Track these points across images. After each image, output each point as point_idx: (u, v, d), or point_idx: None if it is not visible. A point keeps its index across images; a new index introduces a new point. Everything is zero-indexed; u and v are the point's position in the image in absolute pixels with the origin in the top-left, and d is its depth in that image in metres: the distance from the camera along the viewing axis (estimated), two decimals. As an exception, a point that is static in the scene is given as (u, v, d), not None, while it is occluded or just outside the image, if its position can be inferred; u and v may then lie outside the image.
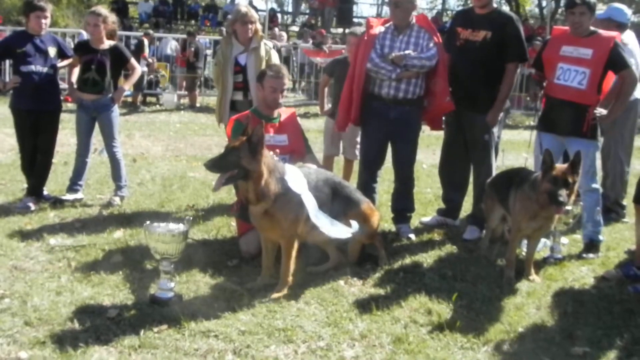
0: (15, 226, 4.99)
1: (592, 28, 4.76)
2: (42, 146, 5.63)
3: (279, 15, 27.22)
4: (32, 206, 5.47)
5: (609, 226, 5.58)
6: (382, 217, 4.86)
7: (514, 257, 4.42)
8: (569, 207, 4.08)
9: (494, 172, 5.15)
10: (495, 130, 5.14)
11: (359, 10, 29.28)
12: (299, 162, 4.43)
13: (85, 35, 9.47)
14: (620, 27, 5.58)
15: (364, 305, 3.80)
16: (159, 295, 3.69)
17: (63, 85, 6.28)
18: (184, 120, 12.34)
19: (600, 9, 5.80)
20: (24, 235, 4.78)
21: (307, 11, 27.14)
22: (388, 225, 5.34)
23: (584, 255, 4.88)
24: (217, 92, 5.80)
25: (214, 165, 3.77)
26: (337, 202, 4.23)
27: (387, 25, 5.07)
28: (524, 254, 4.61)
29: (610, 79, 4.82)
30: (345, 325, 3.54)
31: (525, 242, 4.59)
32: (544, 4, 26.11)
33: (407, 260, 4.64)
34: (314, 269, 4.31)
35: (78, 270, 4.15)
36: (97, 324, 3.41)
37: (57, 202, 5.63)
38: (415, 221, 5.49)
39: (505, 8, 18.90)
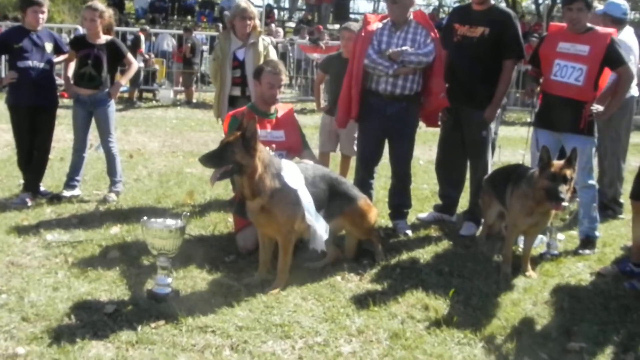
0: (12, 222, 4.97)
1: (588, 24, 4.77)
2: (38, 142, 5.61)
3: (276, 11, 27.20)
4: (29, 202, 5.47)
5: (605, 222, 5.60)
6: (379, 213, 4.86)
7: (510, 253, 4.43)
8: (565, 204, 4.08)
9: (490, 169, 5.16)
10: (492, 126, 5.15)
11: (356, 6, 29.45)
12: (296, 158, 4.43)
13: (81, 31, 9.43)
14: (616, 22, 5.58)
15: (361, 301, 3.80)
16: (156, 291, 3.69)
17: (59, 81, 6.26)
18: (180, 116, 12.32)
19: (597, 7, 5.80)
20: (21, 231, 4.77)
21: (304, 7, 27.12)
22: (385, 222, 5.34)
23: (580, 251, 4.90)
24: (215, 88, 5.82)
25: (208, 160, 3.78)
26: (334, 198, 4.23)
27: (384, 21, 5.07)
28: (520, 250, 4.63)
29: (607, 75, 4.83)
30: (343, 321, 3.54)
31: (522, 238, 4.61)
32: (540, 0, 26.15)
33: (404, 256, 4.64)
34: (311, 264, 4.31)
35: (75, 266, 4.14)
36: (94, 319, 3.40)
37: (54, 199, 5.62)
38: (412, 217, 5.49)
39: (502, 5, 18.90)
